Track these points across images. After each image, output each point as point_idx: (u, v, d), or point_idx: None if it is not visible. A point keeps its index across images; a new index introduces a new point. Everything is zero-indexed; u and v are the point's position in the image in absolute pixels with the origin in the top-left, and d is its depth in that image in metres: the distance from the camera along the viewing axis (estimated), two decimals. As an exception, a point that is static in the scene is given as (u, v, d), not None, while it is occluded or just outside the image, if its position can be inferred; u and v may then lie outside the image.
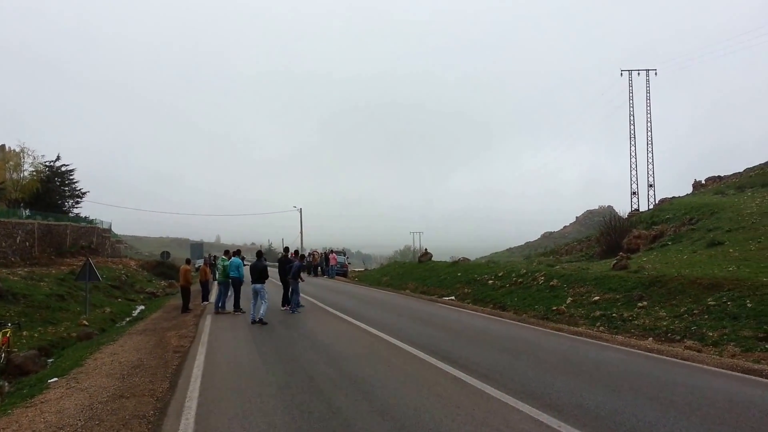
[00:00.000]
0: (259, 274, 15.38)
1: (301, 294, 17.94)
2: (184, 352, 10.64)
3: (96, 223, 53.65)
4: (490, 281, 21.57)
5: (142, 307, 28.25)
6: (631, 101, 61.27)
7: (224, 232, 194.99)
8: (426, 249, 39.96)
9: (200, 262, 31.27)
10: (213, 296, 20.14)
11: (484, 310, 17.69)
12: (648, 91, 61.43)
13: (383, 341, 11.24)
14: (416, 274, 30.64)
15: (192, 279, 18.82)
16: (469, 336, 11.92)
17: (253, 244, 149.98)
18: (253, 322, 14.15)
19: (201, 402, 6.89)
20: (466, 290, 21.93)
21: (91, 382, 8.56)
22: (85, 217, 53.05)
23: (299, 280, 17.19)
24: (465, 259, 32.92)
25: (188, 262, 21.11)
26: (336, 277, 37.90)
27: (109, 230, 59.52)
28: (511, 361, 9.07)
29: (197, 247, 59.27)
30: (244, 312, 16.74)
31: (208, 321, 15.24)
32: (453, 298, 21.53)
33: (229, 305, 17.43)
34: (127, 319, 23.53)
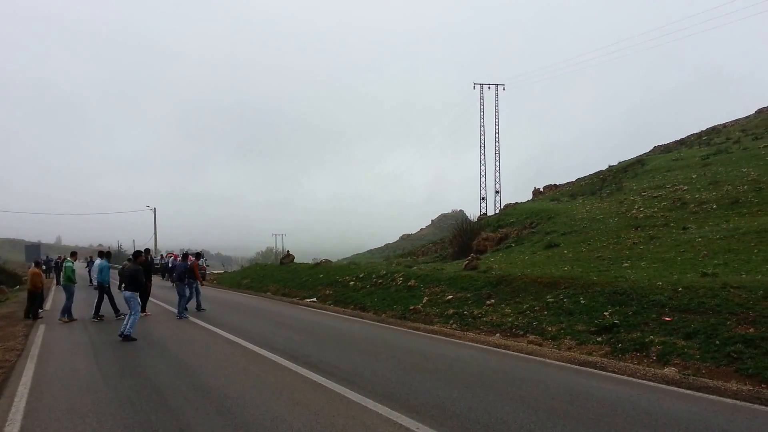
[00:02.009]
0: (130, 280, 13.10)
1: (151, 299, 17.19)
2: (9, 368, 9.50)
3: None
4: (352, 282, 21.76)
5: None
6: (482, 113, 65.21)
7: (66, 232, 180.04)
8: (288, 251, 39.51)
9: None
10: (49, 304, 18.46)
11: (345, 311, 17.82)
12: (497, 104, 65.74)
13: (240, 347, 10.91)
14: (278, 276, 30.21)
15: (42, 282, 17.12)
16: (330, 339, 11.92)
17: (100, 245, 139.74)
18: (120, 336, 12.33)
19: (25, 426, 6.14)
20: (328, 292, 21.95)
21: None
22: None
23: (200, 282, 17.11)
24: (327, 261, 32.98)
25: (38, 264, 19.16)
26: None
27: None
28: (371, 362, 9.18)
29: (33, 249, 54.44)
30: (102, 318, 15.75)
31: (41, 331, 13.89)
32: (315, 300, 21.47)
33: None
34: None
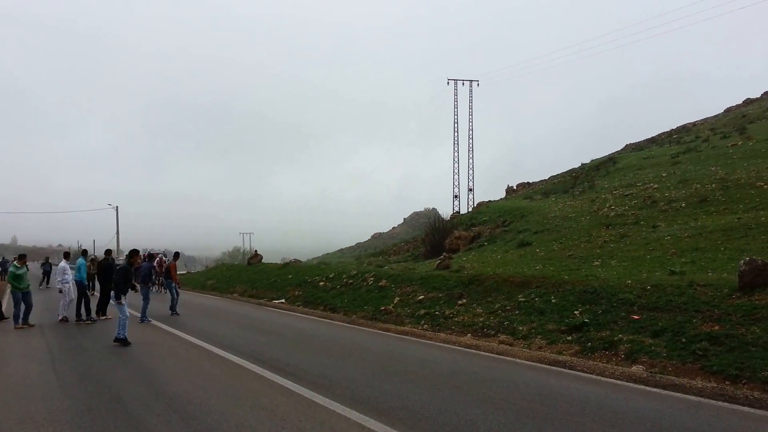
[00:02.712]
0: (118, 280, 12.14)
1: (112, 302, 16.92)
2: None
3: None
4: (321, 283, 21.60)
5: None
6: (456, 109, 65.20)
7: (23, 232, 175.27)
8: (256, 251, 39.17)
9: None
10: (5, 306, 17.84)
11: (314, 312, 17.66)
12: (471, 101, 65.84)
13: (205, 351, 10.69)
14: (245, 276, 29.88)
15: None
16: (299, 341, 11.77)
17: (60, 245, 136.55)
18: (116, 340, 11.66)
19: (-25, 438, 5.82)
20: (297, 293, 21.76)
21: None
22: None
23: (177, 284, 17.25)
24: (296, 261, 32.75)
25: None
26: None
27: None
28: (340, 365, 9.06)
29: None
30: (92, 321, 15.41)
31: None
32: (283, 301, 21.27)
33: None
34: None
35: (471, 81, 66.04)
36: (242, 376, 8.39)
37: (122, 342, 11.44)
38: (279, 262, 33.15)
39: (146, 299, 16.12)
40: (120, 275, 12.12)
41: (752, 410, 6.32)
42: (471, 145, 65.46)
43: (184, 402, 6.93)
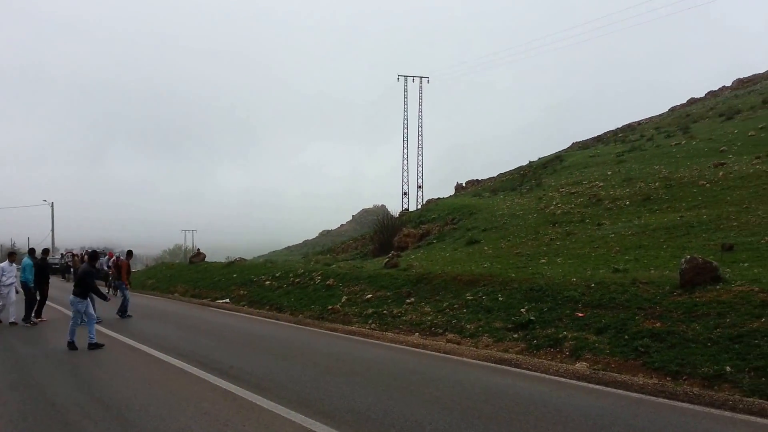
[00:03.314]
0: (79, 282, 11.55)
1: (49, 303, 16.20)
2: None
3: None
4: (268, 282, 21.26)
5: None
6: (405, 106, 65.45)
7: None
8: (199, 249, 38.35)
9: None
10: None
11: (260, 312, 17.36)
12: (420, 98, 66.18)
13: (145, 355, 10.31)
14: (187, 276, 29.15)
15: None
16: (243, 342, 11.51)
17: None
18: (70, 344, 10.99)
19: None
20: (242, 292, 21.35)
21: None
22: None
23: (127, 285, 16.70)
24: (241, 260, 32.20)
25: None
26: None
27: None
28: (285, 367, 8.87)
29: None
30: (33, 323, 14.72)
31: None
32: (228, 300, 20.84)
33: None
34: None
35: (421, 78, 66.67)
36: (184, 381, 8.12)
37: (97, 346, 10.87)
38: (223, 261, 32.49)
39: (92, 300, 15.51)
40: (89, 277, 11.49)
41: (692, 406, 6.46)
42: (420, 142, 65.94)
43: (124, 408, 6.64)
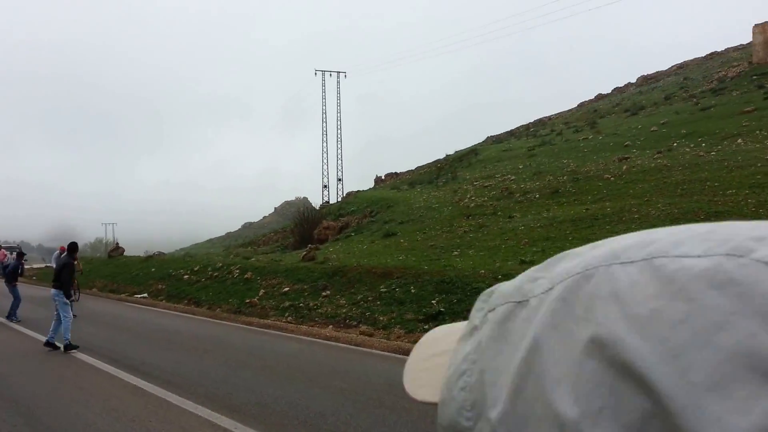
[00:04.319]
0: (57, 275, 11.03)
1: None
2: None
3: None
4: (186, 276, 20.99)
5: None
6: (324, 100, 65.68)
7: None
8: (117, 243, 37.16)
9: None
10: None
11: (177, 307, 17.17)
12: (338, 92, 66.48)
13: (56, 352, 10.12)
14: (105, 270, 28.32)
15: None
16: (157, 338, 11.44)
17: None
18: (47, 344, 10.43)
19: None
20: (160, 286, 20.99)
21: None
22: None
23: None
24: (160, 254, 31.54)
25: None
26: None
27: None
28: (197, 362, 8.94)
29: None
30: None
31: None
32: (146, 295, 20.46)
33: None
34: None
35: (339, 72, 67.16)
36: (94, 377, 8.08)
37: (72, 347, 10.09)
38: (142, 255, 31.72)
39: (17, 299, 14.85)
40: (68, 271, 10.94)
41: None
42: (339, 135, 66.39)
43: (32, 406, 6.62)
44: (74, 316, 14.92)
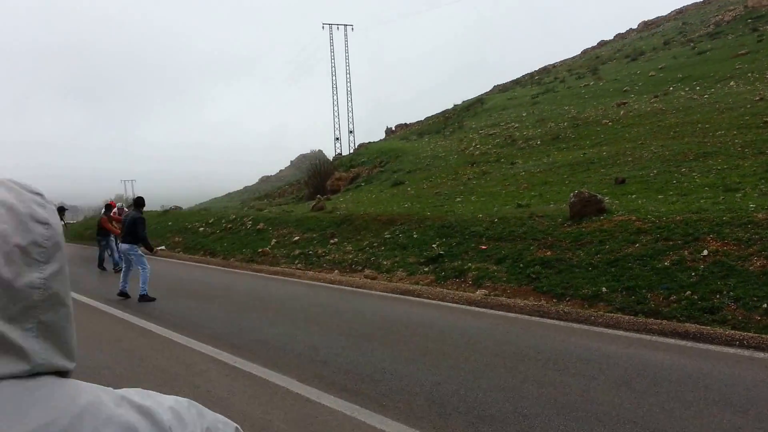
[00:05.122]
0: (129, 230, 10.81)
1: None
2: None
3: None
4: (201, 228, 21.57)
5: None
6: (332, 53, 65.49)
7: None
8: (135, 198, 37.84)
9: None
10: None
11: (193, 258, 17.75)
12: (346, 44, 66.22)
13: (74, 301, 10.68)
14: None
15: None
16: (170, 286, 11.92)
17: None
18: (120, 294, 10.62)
19: None
20: (177, 239, 21.60)
21: None
22: None
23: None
24: (177, 208, 32.23)
25: None
26: None
27: None
28: (204, 307, 9.45)
29: None
30: None
31: None
32: (163, 248, 21.07)
33: None
34: None
35: (345, 25, 67.00)
36: (108, 322, 8.60)
37: (148, 299, 10.23)
38: (159, 210, 32.38)
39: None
40: (141, 226, 10.84)
41: (558, 322, 7.43)
42: (349, 88, 66.41)
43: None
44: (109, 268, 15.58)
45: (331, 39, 65.74)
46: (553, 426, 4.20)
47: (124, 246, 10.90)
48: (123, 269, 11.16)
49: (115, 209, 17.88)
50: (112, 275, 14.27)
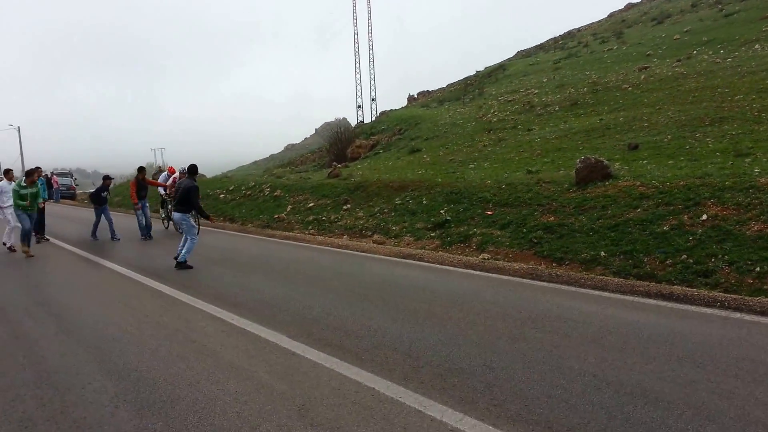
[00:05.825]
0: (181, 199, 10.47)
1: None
2: None
3: None
4: (222, 195, 22.05)
5: None
6: (355, 21, 65.15)
7: None
8: (160, 167, 38.61)
9: None
10: None
11: (211, 224, 18.12)
12: (369, 12, 65.80)
13: (92, 263, 11.08)
14: (150, 191, 29.72)
15: None
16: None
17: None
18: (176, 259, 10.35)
19: None
20: (198, 205, 22.12)
21: None
22: None
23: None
24: (200, 176, 32.80)
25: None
26: (62, 200, 35.37)
27: None
28: (212, 269, 9.78)
29: None
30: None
31: None
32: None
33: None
34: None
35: (368, -8, 66.26)
36: (120, 283, 9.00)
37: (185, 266, 10.07)
38: (183, 177, 32.99)
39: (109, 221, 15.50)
40: (195, 195, 10.51)
41: (547, 284, 7.58)
42: (371, 56, 66.24)
43: (63, 308, 7.49)
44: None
45: (354, 7, 65.60)
46: (516, 377, 4.42)
47: (176, 215, 10.59)
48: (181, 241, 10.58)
49: (175, 174, 17.20)
50: (131, 241, 14.68)
